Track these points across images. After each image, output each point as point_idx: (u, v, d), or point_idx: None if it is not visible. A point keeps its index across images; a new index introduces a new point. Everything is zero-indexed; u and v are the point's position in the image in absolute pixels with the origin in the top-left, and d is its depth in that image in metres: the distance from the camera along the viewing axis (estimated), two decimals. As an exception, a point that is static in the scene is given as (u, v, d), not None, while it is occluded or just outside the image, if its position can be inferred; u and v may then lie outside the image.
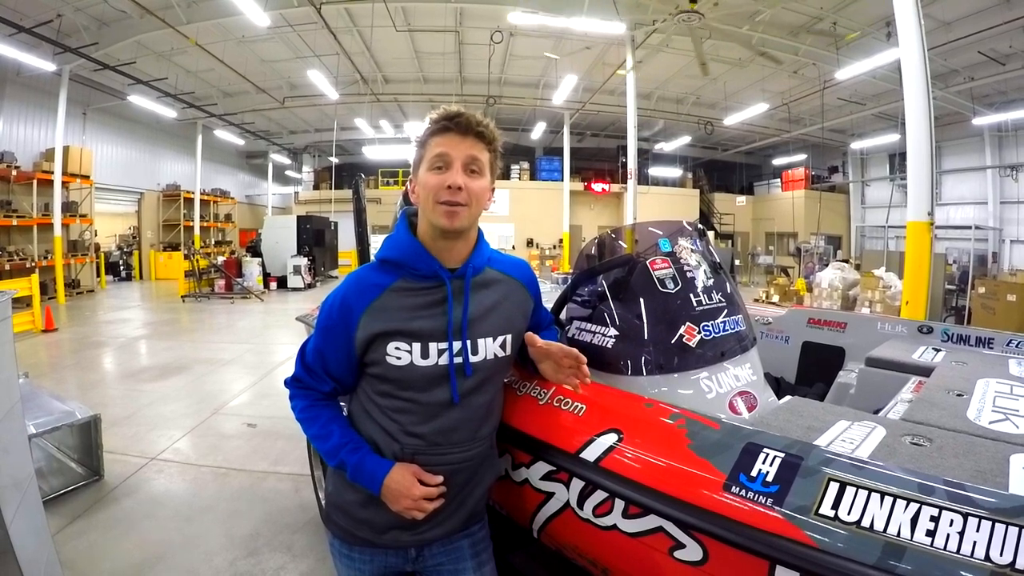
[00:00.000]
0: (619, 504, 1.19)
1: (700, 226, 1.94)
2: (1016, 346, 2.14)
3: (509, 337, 1.30)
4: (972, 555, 0.77)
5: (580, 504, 1.28)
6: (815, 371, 2.64)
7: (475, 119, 1.19)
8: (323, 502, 2.07)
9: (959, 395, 1.56)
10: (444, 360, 1.20)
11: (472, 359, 1.23)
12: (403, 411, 1.22)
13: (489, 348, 1.26)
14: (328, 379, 1.26)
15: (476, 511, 1.35)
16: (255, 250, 16.41)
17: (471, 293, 1.24)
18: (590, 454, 1.23)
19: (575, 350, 1.29)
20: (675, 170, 23.39)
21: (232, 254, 17.72)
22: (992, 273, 13.83)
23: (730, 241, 22.86)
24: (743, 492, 0.99)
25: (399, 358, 1.19)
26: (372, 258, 1.32)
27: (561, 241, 20.42)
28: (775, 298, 11.42)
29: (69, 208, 13.28)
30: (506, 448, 1.47)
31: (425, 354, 1.19)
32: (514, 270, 1.37)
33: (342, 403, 1.37)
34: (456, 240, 1.23)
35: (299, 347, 1.32)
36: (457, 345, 1.21)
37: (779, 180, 22.97)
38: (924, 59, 4.99)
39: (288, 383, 1.33)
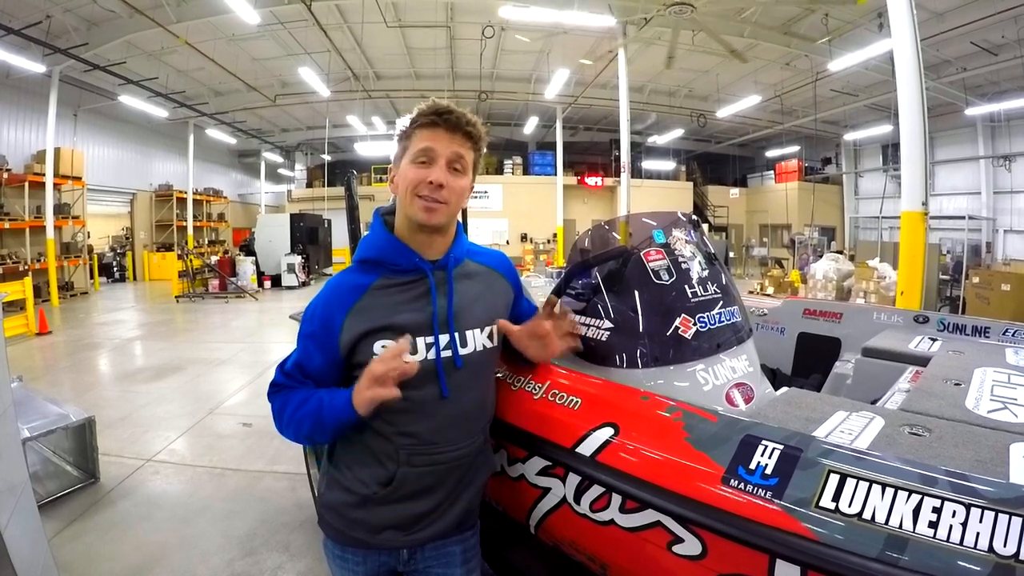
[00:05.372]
0: (616, 499, 1.18)
1: (695, 217, 1.93)
2: (1012, 335, 2.14)
3: (495, 328, 1.28)
4: (975, 546, 0.76)
5: (577, 499, 1.27)
6: (811, 362, 2.63)
7: (465, 117, 1.17)
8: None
9: (957, 384, 1.56)
10: (432, 355, 1.18)
11: (461, 351, 1.21)
12: (395, 411, 1.17)
13: (477, 339, 1.24)
14: (309, 383, 1.22)
15: (470, 509, 1.33)
16: (249, 249, 16.31)
17: (454, 284, 1.23)
18: (586, 448, 1.22)
19: (546, 315, 1.28)
20: (668, 163, 23.42)
21: (226, 253, 17.59)
22: (986, 263, 13.92)
23: (724, 233, 22.87)
24: (742, 485, 0.98)
25: None
26: None
27: (555, 235, 20.40)
28: (770, 290, 11.42)
29: (61, 210, 13.16)
30: (501, 444, 1.45)
31: (412, 350, 1.16)
32: (492, 261, 1.37)
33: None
34: (434, 234, 1.22)
35: (278, 363, 1.27)
36: (444, 338, 1.19)
37: (772, 172, 23.04)
38: (917, 50, 4.99)
39: (268, 393, 1.27)
